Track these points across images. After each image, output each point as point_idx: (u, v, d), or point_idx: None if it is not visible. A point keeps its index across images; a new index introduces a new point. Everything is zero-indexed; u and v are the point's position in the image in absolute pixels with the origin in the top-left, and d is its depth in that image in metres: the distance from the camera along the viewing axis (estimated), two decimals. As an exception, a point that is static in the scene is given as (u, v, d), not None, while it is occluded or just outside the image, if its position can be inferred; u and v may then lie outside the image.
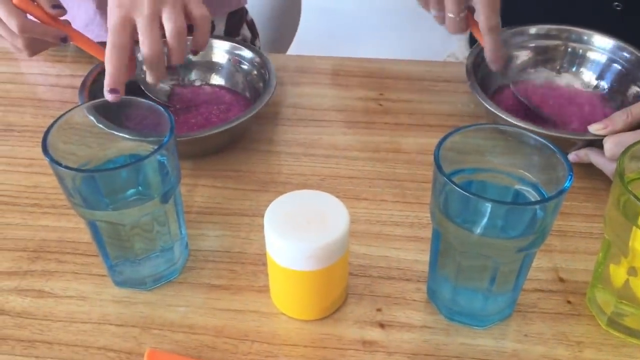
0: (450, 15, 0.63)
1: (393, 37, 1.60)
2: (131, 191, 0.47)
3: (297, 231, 0.44)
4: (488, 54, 0.65)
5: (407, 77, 0.75)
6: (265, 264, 0.49)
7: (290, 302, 0.48)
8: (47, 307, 0.50)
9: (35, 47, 0.62)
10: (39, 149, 0.44)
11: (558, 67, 0.71)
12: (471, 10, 0.64)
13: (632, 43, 0.69)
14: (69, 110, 0.47)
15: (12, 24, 0.58)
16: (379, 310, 0.49)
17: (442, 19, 0.65)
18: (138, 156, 0.47)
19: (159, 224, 0.49)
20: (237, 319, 0.49)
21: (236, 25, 0.91)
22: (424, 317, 0.49)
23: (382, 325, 0.48)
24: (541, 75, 0.71)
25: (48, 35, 0.59)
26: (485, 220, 0.42)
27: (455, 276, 0.47)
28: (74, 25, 0.62)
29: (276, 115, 0.69)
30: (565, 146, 0.59)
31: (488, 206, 0.41)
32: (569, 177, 0.41)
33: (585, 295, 0.50)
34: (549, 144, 0.44)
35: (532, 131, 0.45)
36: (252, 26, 0.96)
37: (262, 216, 0.45)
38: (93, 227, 0.48)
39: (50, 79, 0.77)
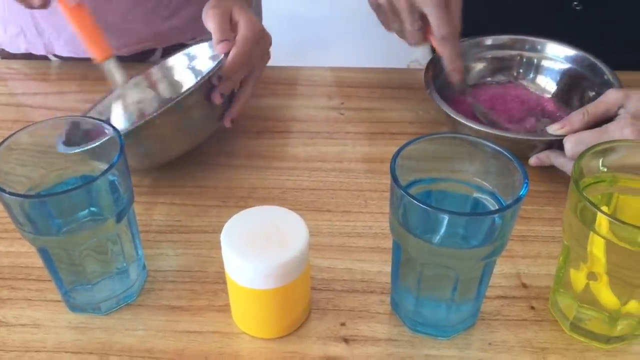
0: (408, 27, 0.63)
1: (357, 44, 1.61)
2: (83, 213, 0.45)
3: (255, 250, 0.43)
4: (445, 63, 0.65)
5: (367, 85, 0.75)
6: (226, 283, 0.48)
7: (251, 321, 0.47)
8: (2, 336, 0.48)
9: None
10: None
11: (515, 75, 0.72)
12: (426, 21, 0.63)
13: (591, 42, 0.69)
14: (15, 132, 0.45)
15: None
16: (342, 324, 0.49)
17: (402, 34, 0.65)
18: (89, 177, 0.45)
19: (113, 245, 0.47)
20: (198, 340, 0.48)
21: None
22: (388, 330, 0.48)
23: (346, 340, 0.48)
24: (498, 82, 0.71)
25: None
26: (444, 230, 0.42)
27: (417, 287, 0.46)
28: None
29: (237, 128, 0.68)
30: (524, 148, 0.59)
31: (446, 217, 0.41)
32: (525, 184, 0.41)
33: (548, 300, 0.50)
34: (504, 152, 0.43)
35: (491, 135, 0.45)
36: None
37: (219, 237, 0.44)
38: (44, 253, 0.46)
39: (3, 98, 0.75)
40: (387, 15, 0.65)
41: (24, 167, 0.46)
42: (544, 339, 0.48)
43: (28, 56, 0.83)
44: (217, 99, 0.59)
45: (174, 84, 0.68)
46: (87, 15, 0.62)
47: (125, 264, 0.49)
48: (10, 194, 0.41)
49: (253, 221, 0.45)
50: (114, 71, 0.63)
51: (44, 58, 0.83)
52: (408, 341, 0.48)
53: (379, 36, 0.90)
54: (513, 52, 0.72)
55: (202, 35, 0.70)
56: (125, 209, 0.46)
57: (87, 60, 0.69)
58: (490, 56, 0.72)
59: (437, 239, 0.42)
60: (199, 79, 0.58)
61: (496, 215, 0.41)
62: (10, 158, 0.44)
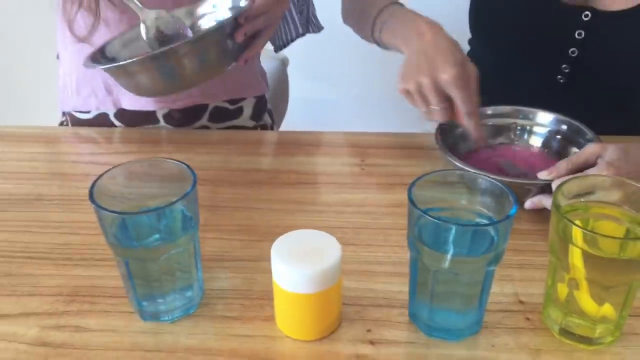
0: (435, 108, 0.76)
1: (374, 123, 1.76)
2: (159, 233, 0.56)
3: (299, 259, 0.54)
4: (472, 133, 0.77)
5: (383, 147, 0.87)
6: (270, 298, 0.58)
7: (293, 324, 0.57)
8: (83, 340, 0.58)
9: None
10: (68, 213, 0.54)
11: (512, 137, 0.84)
12: (451, 101, 0.76)
13: (574, 109, 0.82)
14: (112, 168, 0.57)
15: None
16: (369, 330, 0.58)
17: (429, 114, 0.78)
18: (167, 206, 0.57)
19: (181, 265, 0.58)
20: (248, 343, 0.57)
21: (260, 111, 1.05)
22: (407, 335, 0.58)
23: (372, 343, 0.57)
24: (500, 142, 0.84)
25: None
26: (452, 243, 0.52)
27: (431, 300, 0.56)
28: None
29: (275, 179, 0.80)
30: (520, 193, 0.70)
31: (453, 229, 0.52)
32: (514, 207, 0.52)
33: (541, 313, 0.59)
34: (498, 183, 0.55)
35: (491, 178, 0.56)
36: (270, 113, 1.09)
37: (265, 260, 0.55)
38: (127, 268, 0.57)
39: (72, 156, 0.88)
40: (416, 99, 0.78)
41: (114, 199, 0.57)
42: (538, 343, 0.57)
43: (96, 120, 0.97)
44: (240, 36, 0.73)
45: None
46: None
47: (189, 281, 0.60)
48: (110, 211, 0.53)
49: (296, 240, 0.56)
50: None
51: (109, 122, 0.97)
52: (424, 343, 0.57)
53: (398, 118, 1.04)
54: (510, 120, 0.85)
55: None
56: (193, 229, 0.57)
57: (150, 114, 0.83)
58: (490, 123, 0.85)
59: (447, 249, 0.53)
60: (227, 17, 0.72)
61: (491, 228, 0.52)
62: (107, 188, 0.56)
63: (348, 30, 1.00)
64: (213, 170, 0.83)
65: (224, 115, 1.00)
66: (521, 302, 0.61)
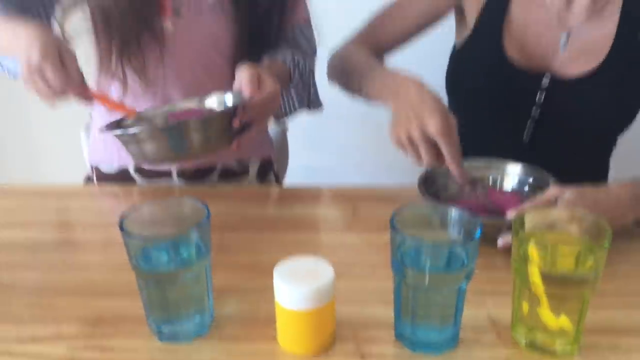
0: (424, 154, 0.87)
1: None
2: (176, 259, 0.65)
3: (297, 279, 0.63)
4: (456, 174, 0.88)
5: (375, 198, 0.98)
6: (273, 321, 0.67)
7: (293, 341, 0.65)
8: (109, 357, 0.66)
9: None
10: (93, 255, 0.63)
11: (486, 186, 0.95)
12: (438, 148, 0.87)
13: (539, 165, 0.93)
14: (133, 209, 0.67)
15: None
16: (359, 347, 0.66)
17: (418, 159, 0.88)
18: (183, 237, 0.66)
19: (194, 291, 0.67)
20: (254, 357, 0.65)
21: (265, 172, 1.16)
22: (394, 351, 0.66)
23: (363, 356, 0.65)
24: (476, 189, 0.94)
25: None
26: (430, 262, 0.62)
27: (413, 318, 0.64)
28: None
29: (275, 225, 0.90)
30: (492, 231, 0.80)
31: (430, 247, 0.61)
32: (479, 230, 0.61)
33: (510, 329, 0.68)
34: (467, 213, 0.64)
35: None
36: (276, 175, 1.20)
37: (269, 290, 0.64)
38: (147, 292, 0.65)
39: (95, 207, 0.98)
40: (408, 148, 0.89)
41: (140, 229, 0.67)
42: (508, 355, 0.65)
43: (118, 174, 1.08)
44: (236, 122, 0.84)
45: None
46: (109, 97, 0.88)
47: (201, 306, 0.68)
48: (136, 238, 0.62)
49: (295, 264, 0.65)
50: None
51: (130, 176, 1.08)
52: (410, 356, 0.65)
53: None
54: (483, 171, 0.95)
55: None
56: (205, 257, 0.66)
57: (165, 171, 0.94)
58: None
59: (426, 267, 0.62)
60: (228, 107, 0.86)
61: (461, 249, 0.61)
62: (133, 221, 0.66)
63: (348, 102, 1.12)
64: (221, 218, 0.92)
65: (231, 174, 1.10)
66: (493, 321, 0.69)
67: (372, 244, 0.86)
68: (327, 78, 1.14)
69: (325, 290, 0.63)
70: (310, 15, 1.11)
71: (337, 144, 1.93)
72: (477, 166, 0.95)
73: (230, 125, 0.86)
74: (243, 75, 0.88)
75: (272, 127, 1.31)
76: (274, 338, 0.67)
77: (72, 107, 0.94)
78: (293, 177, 1.45)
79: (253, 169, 1.13)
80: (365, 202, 0.96)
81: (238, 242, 0.86)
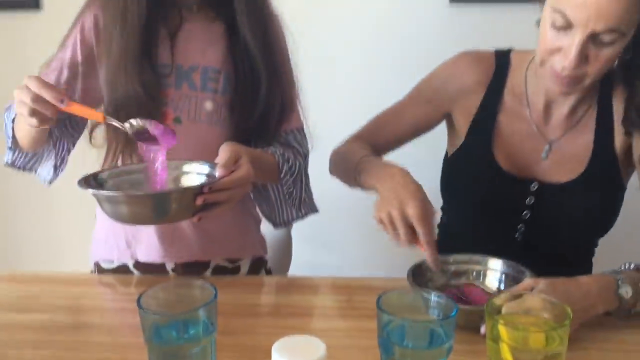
0: (402, 235, 0.96)
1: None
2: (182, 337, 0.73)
3: (293, 354, 0.70)
4: (428, 259, 0.96)
5: (369, 287, 1.05)
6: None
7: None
8: None
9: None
10: (104, 337, 0.71)
11: (471, 278, 1.03)
12: (414, 231, 0.96)
13: (530, 261, 0.99)
14: (147, 291, 0.75)
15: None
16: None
17: (396, 238, 0.97)
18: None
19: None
20: None
21: (257, 271, 1.23)
22: None
23: None
24: (460, 282, 1.02)
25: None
26: (413, 339, 0.69)
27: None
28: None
29: (273, 312, 0.97)
30: (476, 319, 0.86)
31: (413, 325, 0.69)
32: (454, 311, 0.69)
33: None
34: (444, 297, 0.72)
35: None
36: (269, 273, 1.28)
37: None
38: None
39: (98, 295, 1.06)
40: (387, 226, 0.97)
41: (155, 306, 0.75)
42: None
43: (118, 270, 1.17)
44: (199, 200, 0.90)
45: (173, 180, 1.02)
46: (79, 105, 0.94)
47: (205, 377, 0.75)
48: (152, 313, 0.70)
49: (291, 341, 0.72)
50: (114, 122, 0.95)
51: (128, 269, 1.16)
52: None
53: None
54: (468, 266, 1.04)
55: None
56: (211, 333, 0.74)
57: (160, 266, 1.03)
58: (453, 268, 1.03)
59: (409, 344, 0.69)
60: (197, 183, 0.95)
61: (440, 328, 0.69)
62: (150, 301, 0.74)
63: (350, 204, 1.22)
64: (221, 306, 0.99)
65: (223, 271, 1.17)
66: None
67: (365, 329, 0.92)
68: (329, 172, 1.24)
69: (318, 364, 0.69)
70: (304, 123, 1.20)
71: (340, 241, 2.01)
72: (463, 260, 1.03)
73: (193, 201, 0.92)
74: (222, 155, 0.96)
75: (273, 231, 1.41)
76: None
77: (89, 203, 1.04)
78: (295, 273, 1.52)
79: (244, 267, 1.21)
80: (359, 291, 1.04)
81: (238, 326, 0.93)
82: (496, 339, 0.69)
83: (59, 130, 1.12)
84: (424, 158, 1.33)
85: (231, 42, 1.11)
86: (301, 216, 1.21)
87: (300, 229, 1.53)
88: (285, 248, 1.42)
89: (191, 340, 0.72)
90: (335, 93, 1.82)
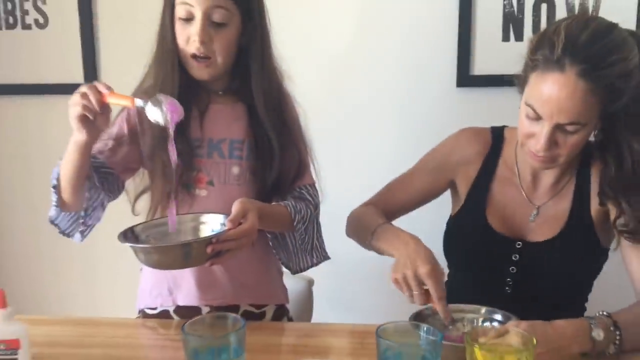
0: (415, 293, 1.11)
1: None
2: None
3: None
4: (440, 313, 1.10)
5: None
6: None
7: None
8: None
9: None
10: None
11: (465, 325, 1.16)
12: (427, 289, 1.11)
13: (520, 311, 1.12)
14: (188, 322, 0.93)
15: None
16: None
17: (411, 298, 1.12)
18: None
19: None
20: None
21: (280, 317, 1.40)
22: None
23: None
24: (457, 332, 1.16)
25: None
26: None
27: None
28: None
29: (294, 351, 1.13)
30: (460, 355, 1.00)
31: (405, 349, 0.84)
32: (440, 337, 0.85)
33: None
34: (432, 328, 0.88)
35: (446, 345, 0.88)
36: (291, 320, 1.44)
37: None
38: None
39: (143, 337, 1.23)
40: (402, 286, 1.13)
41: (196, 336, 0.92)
42: None
43: (160, 315, 1.34)
44: (210, 249, 1.09)
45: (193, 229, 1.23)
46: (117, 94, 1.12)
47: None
48: (193, 336, 0.87)
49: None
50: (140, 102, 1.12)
51: (168, 314, 1.34)
52: None
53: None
54: (463, 314, 1.17)
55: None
56: (241, 356, 0.90)
57: (197, 310, 1.20)
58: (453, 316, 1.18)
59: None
60: (208, 234, 1.14)
61: (427, 349, 0.84)
62: (191, 330, 0.91)
63: (369, 265, 1.37)
64: (248, 345, 1.14)
65: (250, 317, 1.33)
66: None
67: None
68: (345, 234, 1.42)
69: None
70: (315, 179, 1.41)
71: (361, 300, 2.14)
72: (459, 309, 1.18)
73: (206, 250, 1.11)
74: (232, 210, 1.15)
75: (297, 281, 1.58)
76: None
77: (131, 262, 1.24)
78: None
79: (269, 314, 1.38)
80: (371, 335, 1.19)
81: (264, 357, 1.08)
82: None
83: (93, 186, 1.28)
84: (431, 222, 1.49)
85: (251, 119, 1.33)
86: (315, 263, 1.38)
87: (321, 287, 1.70)
88: (306, 302, 1.58)
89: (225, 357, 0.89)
90: (353, 160, 2.04)
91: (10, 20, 2.08)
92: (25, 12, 2.07)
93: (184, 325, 0.90)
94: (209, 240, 1.11)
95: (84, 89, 1.11)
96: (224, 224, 1.18)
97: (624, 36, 1.12)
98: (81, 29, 2.06)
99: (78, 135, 1.13)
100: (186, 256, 1.11)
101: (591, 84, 1.08)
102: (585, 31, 1.10)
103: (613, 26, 1.13)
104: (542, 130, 1.14)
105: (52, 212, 1.26)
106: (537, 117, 1.14)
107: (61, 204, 1.24)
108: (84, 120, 1.11)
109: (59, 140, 2.05)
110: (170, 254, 1.11)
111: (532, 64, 1.14)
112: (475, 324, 1.17)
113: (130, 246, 1.13)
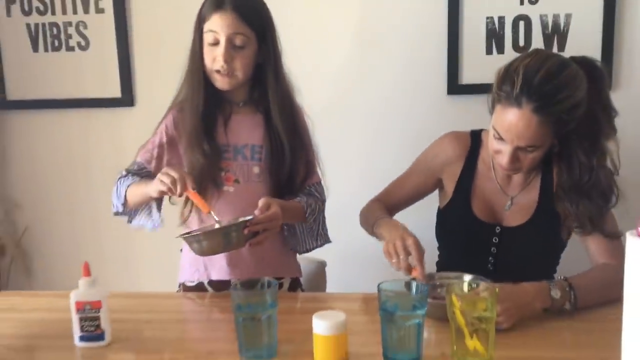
0: (402, 262, 1.37)
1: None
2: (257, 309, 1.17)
3: (324, 318, 1.12)
4: (419, 275, 1.37)
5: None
6: (310, 346, 1.15)
7: (324, 356, 1.13)
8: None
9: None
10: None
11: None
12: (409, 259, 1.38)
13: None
14: (235, 283, 1.20)
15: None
16: (361, 363, 1.14)
17: (397, 266, 1.39)
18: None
19: (268, 329, 1.16)
20: (300, 367, 1.13)
21: (295, 288, 1.68)
22: (382, 365, 1.13)
23: (363, 367, 1.12)
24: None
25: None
26: (400, 309, 1.11)
27: (392, 346, 1.12)
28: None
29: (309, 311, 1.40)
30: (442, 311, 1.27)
31: (399, 297, 1.11)
32: (426, 290, 1.12)
33: (450, 355, 1.14)
34: (420, 283, 1.15)
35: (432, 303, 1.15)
36: (303, 291, 1.72)
37: (307, 334, 1.14)
38: (242, 326, 1.16)
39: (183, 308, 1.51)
40: (392, 255, 1.39)
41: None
42: (448, 367, 1.11)
43: (196, 287, 1.62)
44: (246, 230, 1.36)
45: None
46: (195, 194, 1.42)
47: (271, 342, 1.17)
48: (238, 291, 1.15)
49: (324, 313, 1.15)
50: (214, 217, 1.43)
51: (205, 287, 1.62)
52: (390, 368, 1.12)
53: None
54: (448, 280, 1.43)
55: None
56: (274, 308, 1.17)
57: (227, 283, 1.48)
58: (438, 283, 1.44)
59: (398, 310, 1.11)
60: (242, 219, 1.41)
61: (416, 298, 1.11)
62: (239, 287, 1.18)
63: (369, 248, 1.65)
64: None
65: None
66: (442, 352, 1.16)
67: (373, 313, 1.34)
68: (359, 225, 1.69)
69: (340, 324, 1.12)
70: (321, 178, 1.70)
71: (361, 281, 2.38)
72: (444, 277, 1.45)
73: (243, 232, 1.40)
74: (259, 203, 1.44)
75: (311, 262, 1.85)
76: (310, 353, 1.15)
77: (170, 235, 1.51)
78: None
79: (286, 284, 1.65)
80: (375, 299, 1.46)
81: (285, 313, 1.35)
82: (451, 306, 1.11)
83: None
84: (423, 214, 1.76)
85: (268, 127, 1.61)
86: (319, 245, 1.68)
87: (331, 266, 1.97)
88: (320, 280, 1.86)
89: (263, 309, 1.16)
90: (356, 160, 2.32)
91: (56, 43, 2.36)
92: (69, 36, 2.34)
93: (232, 284, 1.17)
94: (244, 224, 1.39)
95: (176, 175, 1.40)
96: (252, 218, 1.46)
97: (573, 73, 1.36)
98: (118, 51, 2.33)
99: (153, 195, 1.46)
100: (228, 238, 1.39)
101: (544, 117, 1.34)
102: (540, 71, 1.33)
103: (565, 65, 1.37)
104: (506, 150, 1.41)
105: (117, 209, 1.61)
106: (502, 139, 1.41)
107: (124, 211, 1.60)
108: (163, 193, 1.43)
109: (99, 146, 2.38)
110: (215, 237, 1.39)
111: (497, 96, 1.39)
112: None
113: (185, 238, 1.43)
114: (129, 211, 1.61)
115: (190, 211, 1.61)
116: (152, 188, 1.43)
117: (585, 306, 1.33)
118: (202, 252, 1.43)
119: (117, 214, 1.63)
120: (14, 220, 2.48)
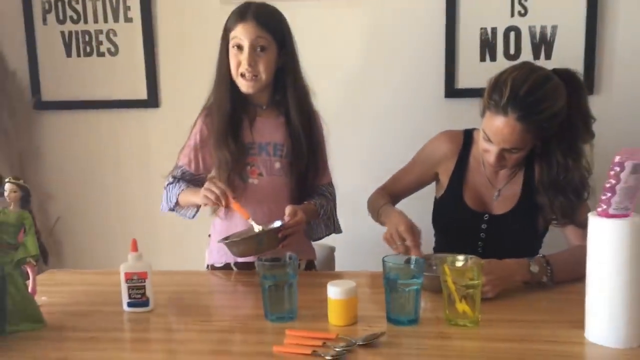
0: (399, 243, 1.59)
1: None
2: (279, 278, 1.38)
3: (337, 285, 1.34)
4: (414, 254, 1.58)
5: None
6: (324, 310, 1.36)
7: (336, 317, 1.34)
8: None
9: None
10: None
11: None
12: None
13: None
14: (262, 257, 1.42)
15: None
16: (368, 323, 1.35)
17: (396, 249, 1.60)
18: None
19: (289, 294, 1.38)
20: (317, 326, 1.35)
21: (311, 268, 1.90)
22: (387, 325, 1.34)
23: (371, 326, 1.33)
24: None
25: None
26: (400, 277, 1.33)
27: (395, 307, 1.34)
28: None
29: (325, 281, 1.62)
30: (437, 283, 1.49)
31: (400, 268, 1.33)
32: (423, 263, 1.33)
33: (444, 316, 1.35)
34: (421, 260, 1.36)
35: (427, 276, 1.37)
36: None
37: (323, 302, 1.35)
38: (267, 292, 1.38)
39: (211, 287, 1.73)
40: (390, 242, 1.61)
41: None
42: (442, 327, 1.32)
43: (223, 267, 1.84)
44: (280, 234, 1.59)
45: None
46: (237, 204, 1.65)
47: (292, 307, 1.39)
48: (264, 265, 1.37)
49: (337, 282, 1.37)
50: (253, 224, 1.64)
51: (230, 267, 1.83)
52: (394, 328, 1.33)
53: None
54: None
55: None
56: (294, 277, 1.39)
57: (251, 264, 1.70)
58: (434, 262, 1.66)
59: (399, 279, 1.33)
60: (274, 226, 1.63)
61: (414, 269, 1.33)
62: (262, 261, 1.40)
63: (372, 235, 1.86)
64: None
65: None
66: (436, 315, 1.38)
67: (378, 286, 1.56)
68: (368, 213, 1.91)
69: (351, 290, 1.34)
70: (331, 178, 1.92)
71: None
72: (440, 257, 1.65)
73: (277, 236, 1.62)
74: (287, 211, 1.65)
75: (323, 248, 2.07)
76: (326, 318, 1.36)
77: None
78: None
79: (302, 265, 1.87)
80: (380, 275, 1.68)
81: (303, 285, 1.57)
82: (443, 275, 1.33)
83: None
84: (422, 204, 1.97)
85: (288, 128, 1.82)
86: (328, 234, 1.91)
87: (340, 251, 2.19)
88: (329, 263, 2.08)
89: (285, 279, 1.38)
90: (363, 157, 2.52)
91: (88, 49, 2.57)
92: (99, 43, 2.55)
93: (258, 259, 1.39)
94: (276, 230, 1.63)
95: (218, 191, 1.62)
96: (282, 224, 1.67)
97: (555, 86, 1.57)
98: (145, 56, 2.53)
99: (199, 203, 1.71)
100: (261, 243, 1.60)
101: (526, 125, 1.55)
102: (526, 84, 1.54)
103: (548, 79, 1.57)
104: (493, 150, 1.62)
105: (165, 209, 1.87)
106: (490, 141, 1.62)
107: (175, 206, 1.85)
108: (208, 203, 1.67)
109: (126, 143, 2.60)
110: (251, 243, 1.62)
111: (487, 104, 1.61)
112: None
113: (225, 244, 1.65)
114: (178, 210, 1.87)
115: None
116: (200, 199, 1.67)
117: (561, 280, 1.54)
118: (240, 255, 1.67)
119: (167, 210, 1.88)
120: (47, 210, 2.69)
